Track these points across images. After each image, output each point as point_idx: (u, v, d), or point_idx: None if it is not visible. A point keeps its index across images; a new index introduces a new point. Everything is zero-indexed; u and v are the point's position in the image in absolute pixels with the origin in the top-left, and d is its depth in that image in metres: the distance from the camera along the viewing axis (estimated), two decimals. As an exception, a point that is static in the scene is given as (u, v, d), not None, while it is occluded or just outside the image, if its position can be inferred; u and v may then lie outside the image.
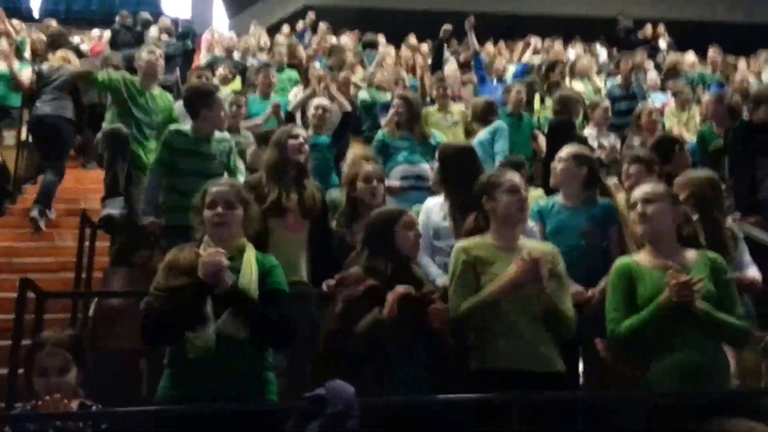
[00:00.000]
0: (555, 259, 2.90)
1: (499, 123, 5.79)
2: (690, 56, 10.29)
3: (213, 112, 4.46)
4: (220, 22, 16.67)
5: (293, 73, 7.99)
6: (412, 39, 10.21)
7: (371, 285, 2.78)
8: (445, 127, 6.08)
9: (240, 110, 5.83)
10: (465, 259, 2.88)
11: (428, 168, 5.00)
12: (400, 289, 2.68)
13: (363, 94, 6.88)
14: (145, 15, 10.78)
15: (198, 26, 11.98)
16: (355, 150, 5.41)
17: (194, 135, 4.44)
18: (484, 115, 5.88)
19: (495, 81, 8.22)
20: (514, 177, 3.03)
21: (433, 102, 6.58)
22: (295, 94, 6.98)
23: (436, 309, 2.71)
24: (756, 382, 3.00)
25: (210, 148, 4.45)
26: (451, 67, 7.58)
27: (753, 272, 3.49)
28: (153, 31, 10.06)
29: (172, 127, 4.60)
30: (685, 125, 7.20)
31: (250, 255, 2.71)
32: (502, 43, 11.34)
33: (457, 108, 6.51)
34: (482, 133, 5.73)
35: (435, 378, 2.71)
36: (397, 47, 9.64)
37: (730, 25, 15.49)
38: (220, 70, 7.68)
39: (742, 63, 10.01)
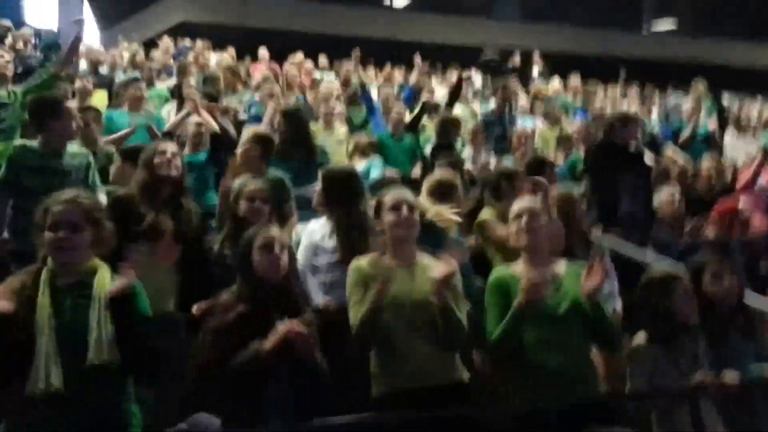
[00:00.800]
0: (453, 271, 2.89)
1: (373, 159, 5.87)
2: (555, 83, 10.99)
3: (63, 123, 4.04)
4: (90, 35, 15.87)
5: (163, 90, 7.70)
6: (299, 56, 10.16)
7: (240, 312, 2.64)
8: (330, 146, 6.09)
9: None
10: (358, 278, 2.84)
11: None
12: (291, 326, 2.56)
13: (253, 111, 6.79)
14: (5, 22, 9.78)
15: (64, 39, 11.30)
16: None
17: (43, 149, 4.00)
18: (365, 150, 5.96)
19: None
20: (398, 194, 2.98)
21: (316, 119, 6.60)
22: (168, 111, 6.71)
23: (294, 333, 2.57)
24: (622, 385, 3.14)
25: (62, 163, 4.02)
26: (332, 86, 7.58)
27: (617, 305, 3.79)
28: (9, 41, 9.12)
29: (18, 141, 4.19)
30: (556, 142, 7.62)
31: (103, 278, 2.41)
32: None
33: (342, 129, 6.56)
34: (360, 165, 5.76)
35: (305, 402, 2.63)
36: (280, 65, 9.57)
37: (586, 56, 16.73)
38: (79, 83, 7.14)
39: (600, 91, 10.78)
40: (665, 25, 21.97)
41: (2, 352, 2.25)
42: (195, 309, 3.02)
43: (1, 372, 2.28)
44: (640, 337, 3.11)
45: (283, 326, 2.56)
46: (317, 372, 2.65)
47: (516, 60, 12.78)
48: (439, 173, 4.30)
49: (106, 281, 2.38)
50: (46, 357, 2.22)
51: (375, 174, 5.63)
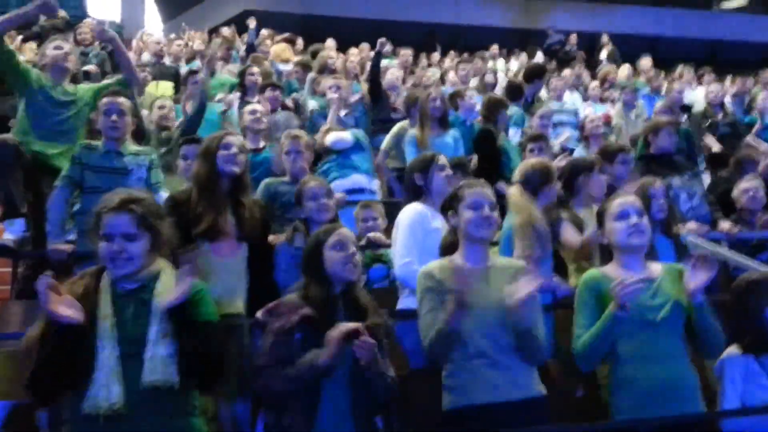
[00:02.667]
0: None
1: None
2: (624, 69, 10.57)
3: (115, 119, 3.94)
4: (152, 26, 16.17)
5: (226, 78, 7.51)
6: (364, 45, 10.05)
7: (305, 314, 2.49)
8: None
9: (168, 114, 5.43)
10: (429, 285, 2.62)
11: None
12: (343, 328, 2.40)
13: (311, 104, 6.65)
14: (63, 14, 8.81)
15: (129, 31, 11.45)
16: None
17: (104, 148, 3.96)
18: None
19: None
20: (483, 191, 2.75)
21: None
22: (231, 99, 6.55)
23: (362, 342, 2.42)
24: (710, 398, 2.91)
25: (122, 161, 3.95)
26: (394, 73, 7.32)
27: None
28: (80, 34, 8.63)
29: (83, 141, 4.11)
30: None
31: (165, 281, 2.28)
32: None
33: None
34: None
35: (360, 412, 2.49)
36: (344, 54, 9.46)
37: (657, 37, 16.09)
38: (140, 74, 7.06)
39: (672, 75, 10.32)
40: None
41: (58, 364, 2.12)
42: (259, 314, 2.83)
43: (56, 386, 2.16)
44: (732, 347, 2.88)
45: (339, 331, 2.41)
46: (381, 380, 2.50)
47: (572, 40, 12.43)
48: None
49: (166, 288, 2.25)
50: (107, 372, 2.11)
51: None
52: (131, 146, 4.06)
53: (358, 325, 2.44)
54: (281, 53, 8.77)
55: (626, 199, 2.86)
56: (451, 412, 2.55)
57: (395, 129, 5.66)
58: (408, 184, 3.60)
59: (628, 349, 2.63)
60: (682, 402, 2.60)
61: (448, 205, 2.78)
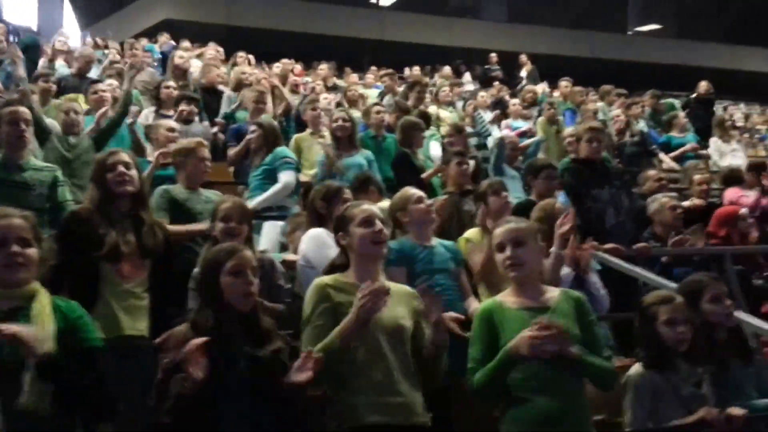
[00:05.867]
0: (420, 303, 2.65)
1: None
2: (542, 87, 10.97)
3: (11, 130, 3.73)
4: (70, 33, 15.57)
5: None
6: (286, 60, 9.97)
7: (195, 347, 2.23)
8: (317, 152, 5.88)
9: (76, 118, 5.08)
10: (322, 296, 2.56)
11: None
12: (191, 346, 2.22)
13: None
14: None
15: (45, 38, 10.95)
16: None
17: (2, 161, 3.72)
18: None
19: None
20: (370, 208, 2.76)
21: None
22: (146, 114, 6.33)
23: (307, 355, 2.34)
24: (618, 416, 2.97)
25: (23, 176, 3.71)
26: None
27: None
28: None
29: None
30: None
31: (43, 304, 2.15)
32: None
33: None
34: None
35: None
36: (268, 66, 9.38)
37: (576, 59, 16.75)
38: (41, 83, 6.52)
39: (592, 95, 10.74)
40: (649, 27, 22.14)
41: None
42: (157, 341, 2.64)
43: None
44: (637, 365, 2.94)
45: (193, 343, 2.22)
46: (289, 404, 2.38)
47: (492, 60, 12.83)
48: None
49: (45, 311, 2.12)
50: None
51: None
52: (33, 160, 3.86)
53: (204, 339, 2.25)
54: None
55: (504, 228, 2.77)
56: None
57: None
58: (311, 209, 3.70)
59: (518, 379, 2.56)
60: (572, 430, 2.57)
61: (338, 227, 2.76)
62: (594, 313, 2.78)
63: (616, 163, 6.94)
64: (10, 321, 2.06)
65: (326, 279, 2.65)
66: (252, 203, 4.40)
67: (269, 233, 4.49)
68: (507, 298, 2.70)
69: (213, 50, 9.13)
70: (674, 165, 7.52)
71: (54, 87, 6.67)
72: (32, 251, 2.19)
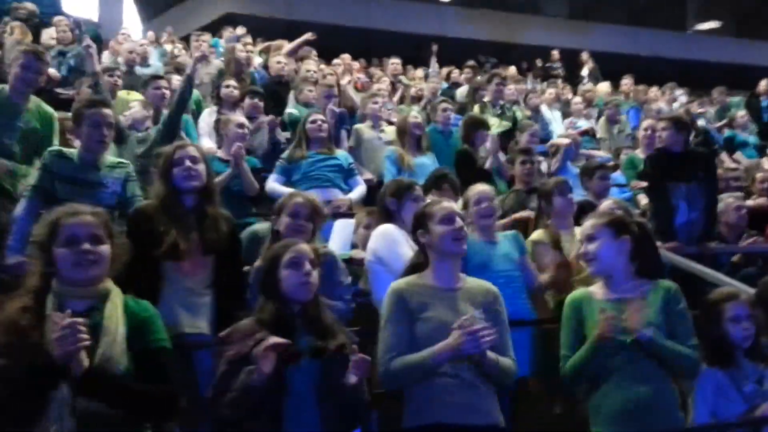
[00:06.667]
0: (497, 301, 2.69)
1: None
2: (604, 86, 10.76)
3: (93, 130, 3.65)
4: (132, 25, 15.91)
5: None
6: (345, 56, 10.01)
7: (260, 339, 2.29)
8: (377, 147, 5.93)
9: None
10: (398, 302, 2.58)
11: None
12: (267, 342, 2.25)
13: (290, 110, 6.60)
14: (28, 5, 8.38)
15: (107, 30, 11.11)
16: None
17: (79, 159, 3.67)
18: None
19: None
20: (450, 205, 2.79)
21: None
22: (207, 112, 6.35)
23: (361, 359, 2.33)
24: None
25: (98, 175, 3.65)
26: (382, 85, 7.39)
27: None
28: (46, 35, 8.15)
29: (53, 149, 3.77)
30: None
31: (116, 304, 2.15)
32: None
33: (390, 128, 6.36)
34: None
35: (331, 429, 2.34)
36: (328, 62, 9.42)
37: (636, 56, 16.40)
38: (106, 77, 6.36)
39: (653, 92, 10.54)
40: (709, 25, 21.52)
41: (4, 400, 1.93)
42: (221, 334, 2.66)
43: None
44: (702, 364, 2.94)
45: (264, 346, 2.25)
46: (352, 397, 2.38)
47: (555, 56, 12.69)
48: None
49: (117, 312, 2.13)
50: (60, 404, 1.96)
51: None
52: (108, 158, 3.80)
53: (285, 341, 2.29)
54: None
55: (582, 227, 2.96)
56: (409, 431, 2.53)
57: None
58: (381, 205, 3.69)
59: (605, 368, 2.71)
60: (658, 418, 2.65)
61: (418, 225, 2.76)
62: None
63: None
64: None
65: (402, 283, 2.68)
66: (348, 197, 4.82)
67: (341, 231, 4.50)
68: (596, 289, 2.87)
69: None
70: (736, 164, 7.36)
71: (120, 82, 6.71)
72: (104, 248, 2.18)
